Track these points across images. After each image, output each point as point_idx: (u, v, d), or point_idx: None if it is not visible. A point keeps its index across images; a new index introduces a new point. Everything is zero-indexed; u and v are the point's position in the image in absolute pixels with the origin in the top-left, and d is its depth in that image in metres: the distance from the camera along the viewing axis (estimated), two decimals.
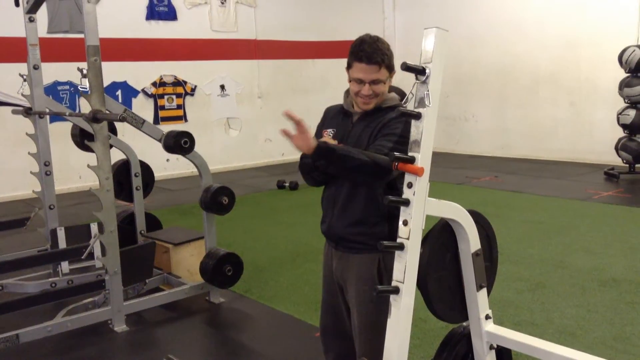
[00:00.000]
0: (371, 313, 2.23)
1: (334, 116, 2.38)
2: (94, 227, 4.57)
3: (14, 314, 3.65)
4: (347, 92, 2.32)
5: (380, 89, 2.17)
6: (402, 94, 2.32)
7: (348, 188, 2.24)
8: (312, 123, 2.50)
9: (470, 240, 2.01)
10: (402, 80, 2.69)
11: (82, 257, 4.16)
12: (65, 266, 4.58)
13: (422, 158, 1.75)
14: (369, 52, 2.10)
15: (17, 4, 4.44)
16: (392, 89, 2.31)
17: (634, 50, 7.53)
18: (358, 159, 2.00)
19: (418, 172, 1.74)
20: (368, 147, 2.14)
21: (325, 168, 2.09)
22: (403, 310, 1.80)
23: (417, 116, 1.76)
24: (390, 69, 2.19)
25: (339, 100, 2.42)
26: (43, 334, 3.41)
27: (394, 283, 1.81)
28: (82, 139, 4.40)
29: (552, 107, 9.74)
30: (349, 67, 2.20)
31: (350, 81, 2.22)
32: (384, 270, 2.23)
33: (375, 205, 2.20)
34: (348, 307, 2.38)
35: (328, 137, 2.26)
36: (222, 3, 10.01)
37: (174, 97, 9.62)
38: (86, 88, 3.35)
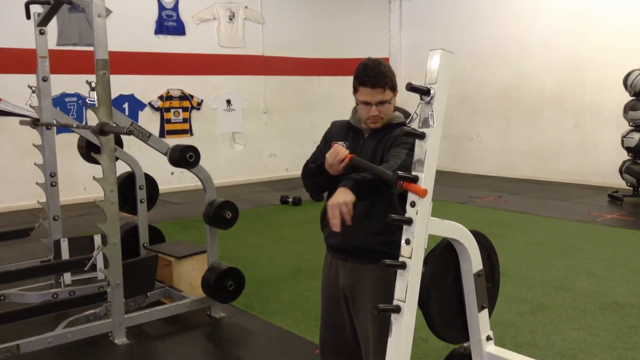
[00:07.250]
0: (388, 320, 2.22)
1: (341, 130, 2.45)
2: (97, 239, 4.59)
3: (15, 324, 3.65)
4: (355, 109, 2.42)
5: (386, 108, 2.27)
6: (405, 114, 2.40)
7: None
8: (316, 139, 2.53)
9: (473, 261, 2.01)
10: (407, 99, 2.72)
11: (85, 269, 4.17)
12: (67, 277, 4.59)
13: (426, 178, 1.76)
14: (372, 76, 2.21)
15: (28, 16, 4.49)
16: (396, 109, 2.38)
17: (638, 74, 7.56)
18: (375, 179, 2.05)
19: (420, 194, 1.75)
20: (383, 160, 2.21)
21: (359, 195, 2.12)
22: (404, 330, 1.80)
23: (421, 136, 1.77)
24: (394, 89, 2.29)
25: (342, 117, 2.52)
26: (43, 344, 3.40)
27: (395, 302, 1.81)
28: (88, 151, 4.43)
29: (556, 128, 9.76)
30: (355, 91, 2.30)
31: (357, 104, 2.32)
32: None
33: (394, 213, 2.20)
34: (352, 321, 2.38)
35: (342, 146, 2.27)
36: (230, 19, 10.11)
37: (180, 110, 9.68)
38: (94, 101, 3.38)
